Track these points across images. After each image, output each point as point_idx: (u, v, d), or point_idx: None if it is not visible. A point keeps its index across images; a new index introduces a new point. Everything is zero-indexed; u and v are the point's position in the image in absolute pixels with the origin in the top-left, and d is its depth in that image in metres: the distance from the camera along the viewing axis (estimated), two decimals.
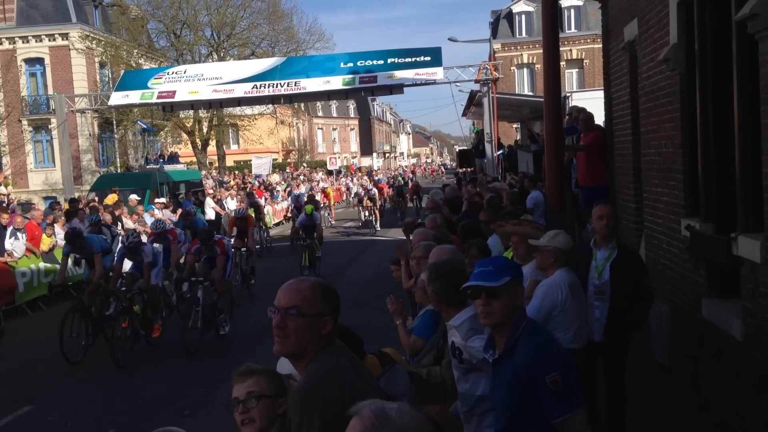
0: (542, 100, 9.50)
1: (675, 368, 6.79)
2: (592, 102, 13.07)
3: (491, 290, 2.91)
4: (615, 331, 5.25)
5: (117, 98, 24.25)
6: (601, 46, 10.91)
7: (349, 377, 2.45)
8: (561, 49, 11.31)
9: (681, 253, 6.48)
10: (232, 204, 25.34)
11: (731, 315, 5.29)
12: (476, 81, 23.90)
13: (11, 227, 13.54)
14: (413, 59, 22.88)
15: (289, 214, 31.39)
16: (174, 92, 23.38)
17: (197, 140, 38.77)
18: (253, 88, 23.12)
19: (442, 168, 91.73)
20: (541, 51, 9.12)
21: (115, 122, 34.26)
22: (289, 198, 28.07)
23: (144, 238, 11.95)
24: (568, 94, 17.46)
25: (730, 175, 5.30)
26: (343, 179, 46.70)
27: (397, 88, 23.08)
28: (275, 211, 30.38)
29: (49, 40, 35.25)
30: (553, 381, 2.75)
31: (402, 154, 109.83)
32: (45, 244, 14.31)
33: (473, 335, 3.68)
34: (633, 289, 5.18)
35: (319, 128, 75.19)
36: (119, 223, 17.48)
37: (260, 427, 2.86)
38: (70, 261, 11.97)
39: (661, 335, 6.98)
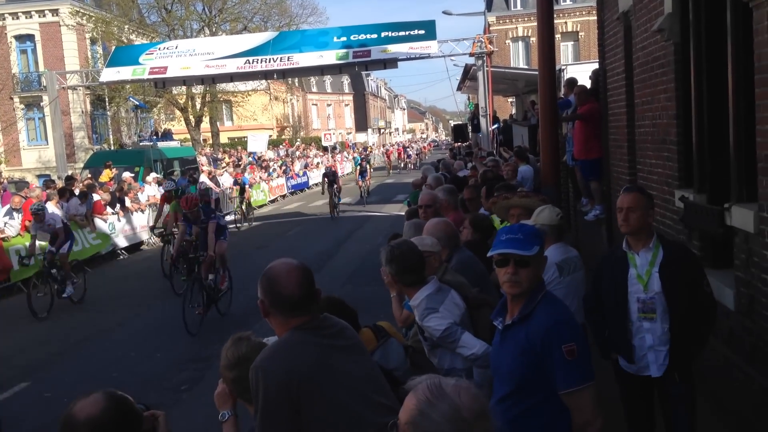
0: (537, 73, 9.45)
1: None
2: (587, 74, 13.00)
3: (522, 259, 2.83)
4: (680, 362, 3.92)
5: (108, 74, 24.04)
6: (596, 18, 10.83)
7: (300, 356, 2.55)
8: (556, 21, 11.22)
9: (675, 224, 6.48)
10: (227, 181, 25.30)
11: (724, 285, 5.30)
12: (471, 54, 23.75)
13: (8, 206, 13.50)
14: (407, 33, 22.72)
15: (285, 192, 31.50)
16: (166, 68, 23.19)
17: (190, 117, 38.56)
18: (245, 63, 22.94)
19: (429, 145, 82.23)
20: (536, 24, 9.04)
21: (107, 99, 34.01)
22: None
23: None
24: (563, 67, 17.34)
25: (724, 145, 5.28)
26: (338, 155, 46.61)
27: (391, 63, 22.93)
28: (271, 189, 30.34)
29: (39, 17, 34.85)
30: (570, 351, 2.71)
31: (397, 129, 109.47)
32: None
33: (429, 314, 3.73)
34: (692, 300, 3.86)
35: (313, 104, 74.79)
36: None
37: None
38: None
39: None
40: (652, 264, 3.91)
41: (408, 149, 57.26)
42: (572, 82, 11.52)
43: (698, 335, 3.92)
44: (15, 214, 13.55)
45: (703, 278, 3.96)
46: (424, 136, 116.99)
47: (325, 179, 24.17)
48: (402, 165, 51.35)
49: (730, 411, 5.22)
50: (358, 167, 29.91)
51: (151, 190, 19.74)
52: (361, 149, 50.68)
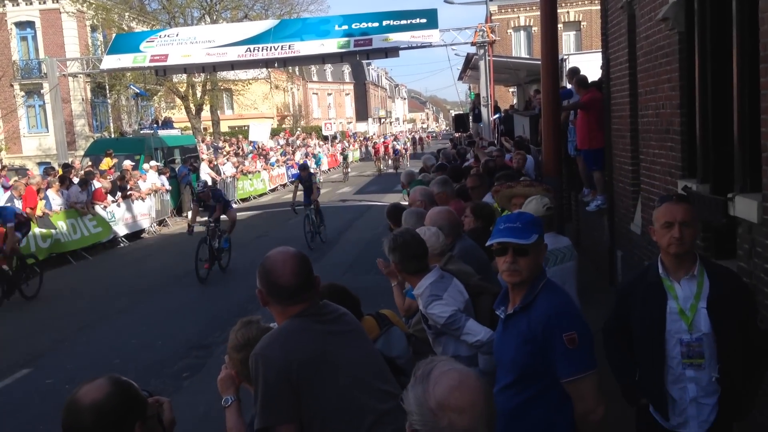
0: (539, 62, 9.41)
1: None
2: (590, 64, 12.96)
3: (520, 248, 2.82)
4: (728, 419, 3.26)
5: (109, 62, 23.96)
6: (599, 7, 10.77)
7: (299, 343, 2.57)
8: (558, 11, 11.16)
9: None
10: (229, 170, 25.27)
11: None
12: (472, 44, 23.65)
13: (8, 193, 13.48)
14: (409, 21, 22.62)
15: (286, 181, 31.51)
16: (166, 56, 23.10)
17: (191, 105, 38.45)
18: (246, 51, 22.85)
19: (425, 138, 70.86)
20: (538, 13, 9.00)
21: (107, 87, 33.91)
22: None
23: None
24: (565, 57, 17.29)
25: (728, 135, 5.26)
26: (338, 145, 46.57)
27: (392, 52, 22.85)
28: (271, 177, 30.35)
29: (40, 3, 34.69)
30: (571, 339, 2.71)
31: (398, 119, 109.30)
32: (39, 209, 14.25)
33: (432, 301, 3.75)
34: (745, 340, 3.17)
35: (314, 93, 74.62)
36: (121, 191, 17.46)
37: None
38: None
39: None
40: (697, 297, 3.16)
41: (396, 143, 43.93)
42: (574, 71, 11.46)
43: (750, 385, 3.22)
44: (15, 201, 13.53)
45: (756, 313, 3.33)
46: (425, 126, 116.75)
47: (299, 184, 16.34)
48: (391, 165, 40.03)
49: None
50: (296, 182, 17.51)
51: (153, 178, 19.71)
52: (303, 155, 35.28)
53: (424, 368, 1.75)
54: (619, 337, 3.46)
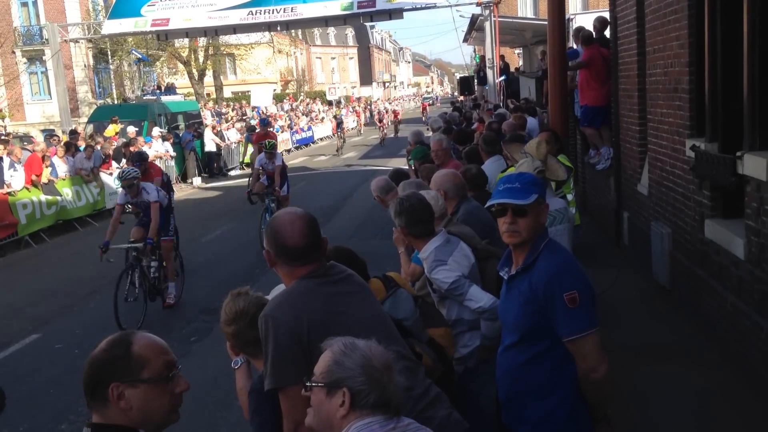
0: (545, 23, 9.27)
1: (676, 289, 6.83)
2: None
3: (518, 208, 2.80)
4: None
5: (110, 27, 23.72)
6: None
7: (309, 304, 2.56)
8: None
9: (685, 174, 6.42)
10: (233, 135, 25.15)
11: (734, 234, 5.27)
12: (478, 4, 23.29)
13: (9, 159, 13.46)
14: None
15: (290, 147, 31.44)
16: (168, 20, 22.82)
17: (193, 71, 38.17)
18: (248, 14, 22.53)
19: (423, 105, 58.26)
20: None
21: (109, 53, 33.64)
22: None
23: None
24: (572, 16, 17.01)
25: (737, 92, 5.18)
26: (342, 110, 46.28)
27: (396, 13, 22.49)
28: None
29: None
30: (571, 299, 2.70)
31: (402, 83, 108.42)
32: (44, 176, 14.25)
33: (437, 266, 3.77)
34: None
35: (317, 57, 73.99)
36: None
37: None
38: None
39: (663, 257, 6.99)
40: None
41: (382, 111, 40.13)
42: (581, 31, 11.30)
43: None
44: (17, 166, 13.51)
45: None
46: (429, 90, 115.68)
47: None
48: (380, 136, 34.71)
49: (739, 359, 5.24)
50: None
51: (157, 145, 19.66)
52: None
53: (345, 342, 2.02)
54: None
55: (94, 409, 1.95)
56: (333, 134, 30.77)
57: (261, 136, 16.07)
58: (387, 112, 43.25)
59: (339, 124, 32.29)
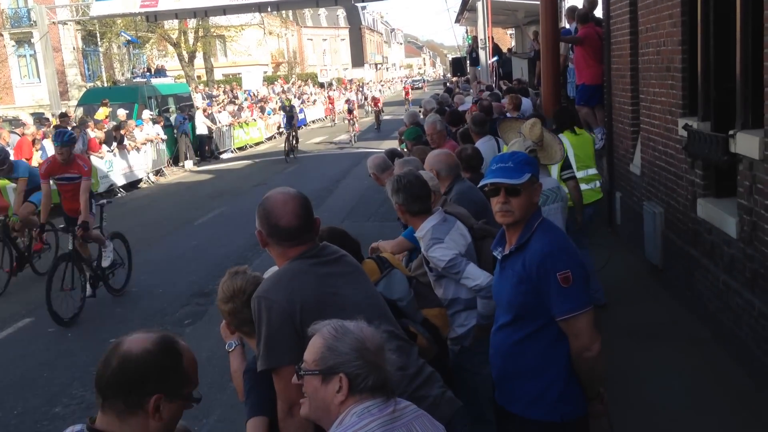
0: (538, 2, 9.22)
1: (668, 268, 6.86)
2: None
3: (511, 187, 2.79)
4: None
5: (99, 8, 23.56)
6: None
7: (302, 285, 2.55)
8: None
9: (677, 153, 6.42)
10: (225, 118, 24.99)
11: (727, 213, 5.28)
12: None
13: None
14: None
15: (281, 129, 31.20)
16: (157, 1, 22.65)
17: (183, 53, 37.84)
18: None
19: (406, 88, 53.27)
20: None
21: (98, 35, 33.29)
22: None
23: None
24: None
25: (730, 71, 5.17)
26: (334, 92, 46.03)
27: None
28: (267, 126, 30.09)
29: None
30: (564, 278, 2.70)
31: (394, 65, 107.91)
32: (35, 159, 14.15)
33: (434, 245, 3.77)
34: None
35: (308, 39, 73.45)
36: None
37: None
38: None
39: (655, 236, 7.01)
40: None
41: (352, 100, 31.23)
42: (573, 10, 11.25)
43: None
44: (8, 150, 13.39)
45: None
46: (422, 71, 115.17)
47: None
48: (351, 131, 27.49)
49: (731, 337, 5.27)
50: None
51: (148, 129, 19.54)
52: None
53: (335, 326, 1.98)
54: None
55: (114, 410, 1.76)
56: (326, 116, 29.70)
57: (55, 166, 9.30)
58: (367, 98, 39.62)
59: (350, 110, 27.49)
